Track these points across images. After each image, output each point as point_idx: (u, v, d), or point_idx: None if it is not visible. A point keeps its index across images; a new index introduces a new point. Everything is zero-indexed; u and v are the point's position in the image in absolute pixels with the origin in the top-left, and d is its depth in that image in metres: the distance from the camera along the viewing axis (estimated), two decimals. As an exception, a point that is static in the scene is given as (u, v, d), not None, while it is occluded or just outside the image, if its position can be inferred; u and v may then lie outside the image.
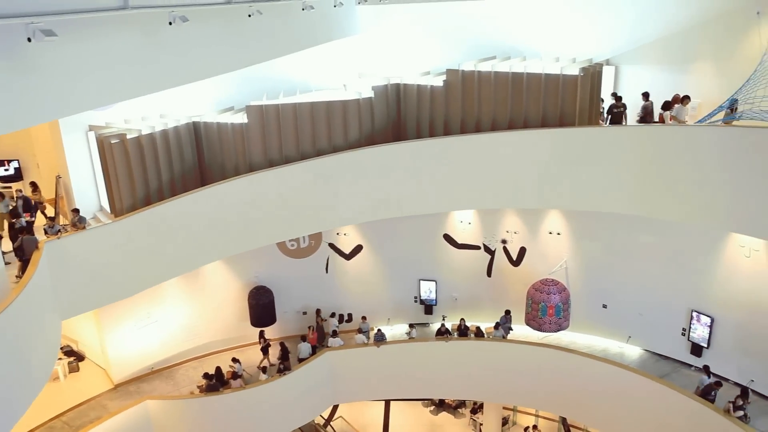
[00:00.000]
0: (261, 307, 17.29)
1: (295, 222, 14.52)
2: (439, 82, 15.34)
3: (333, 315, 17.82)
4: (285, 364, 15.85)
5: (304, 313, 18.21)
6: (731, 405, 13.00)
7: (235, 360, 16.19)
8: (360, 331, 17.29)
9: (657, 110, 13.84)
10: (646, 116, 13.82)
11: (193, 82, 12.20)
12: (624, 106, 14.27)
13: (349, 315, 18.26)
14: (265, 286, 17.50)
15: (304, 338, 16.72)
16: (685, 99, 13.36)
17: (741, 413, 12.93)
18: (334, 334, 16.92)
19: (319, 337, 17.13)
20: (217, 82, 13.62)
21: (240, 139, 14.46)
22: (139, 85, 10.54)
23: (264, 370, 15.69)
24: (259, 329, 17.32)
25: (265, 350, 16.70)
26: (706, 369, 14.11)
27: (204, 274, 16.81)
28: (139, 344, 15.97)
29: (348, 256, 18.21)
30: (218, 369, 15.61)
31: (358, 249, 18.15)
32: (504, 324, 16.89)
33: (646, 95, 13.93)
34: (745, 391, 13.20)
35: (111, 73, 9.74)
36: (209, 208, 13.17)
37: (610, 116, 14.38)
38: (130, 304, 15.11)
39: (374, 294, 18.35)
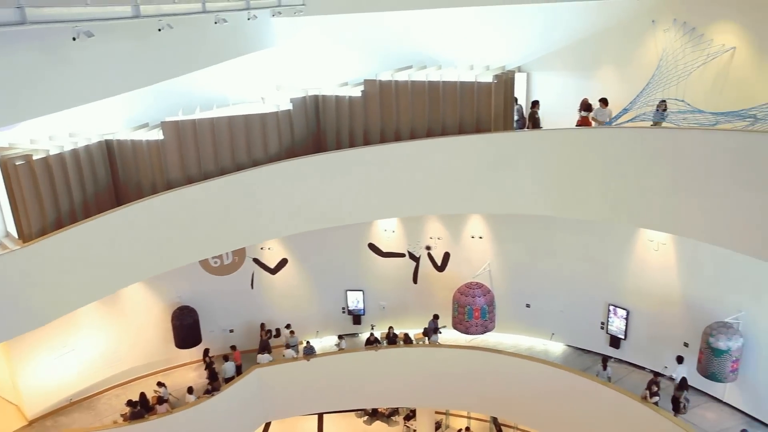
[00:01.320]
0: (185, 327, 16.82)
1: (217, 238, 14.18)
2: (357, 92, 15.43)
3: (288, 326, 17.55)
4: (213, 385, 15.47)
5: (231, 331, 17.85)
6: (647, 392, 13.65)
7: (160, 384, 15.66)
8: (288, 345, 17.08)
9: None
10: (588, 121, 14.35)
11: (103, 99, 11.76)
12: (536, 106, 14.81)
13: (277, 330, 18.01)
14: (188, 306, 17.03)
15: (227, 358, 16.37)
16: (603, 102, 13.92)
17: (657, 399, 13.60)
18: (287, 346, 16.79)
19: (261, 351, 16.82)
20: (130, 98, 13.18)
21: (156, 156, 14.03)
22: (43, 103, 10.05)
23: (190, 390, 15.24)
24: (204, 348, 17.00)
25: (210, 368, 16.26)
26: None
27: (123, 298, 16.20)
28: (55, 375, 15.19)
29: (273, 271, 17.99)
30: (142, 395, 15.05)
31: (283, 263, 17.97)
32: (432, 328, 17.08)
33: (604, 101, 14.14)
34: (683, 382, 13.95)
35: (10, 91, 9.26)
36: (125, 228, 12.70)
37: (531, 121, 14.82)
38: (43, 334, 14.38)
39: (302, 307, 18.20)
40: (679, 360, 14.48)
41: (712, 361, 13.61)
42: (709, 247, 13.07)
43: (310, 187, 14.46)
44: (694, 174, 11.54)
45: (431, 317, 17.23)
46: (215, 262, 17.37)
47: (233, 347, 16.92)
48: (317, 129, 16.05)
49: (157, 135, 14.03)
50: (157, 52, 12.52)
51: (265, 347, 16.91)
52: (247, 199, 14.11)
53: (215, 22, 12.65)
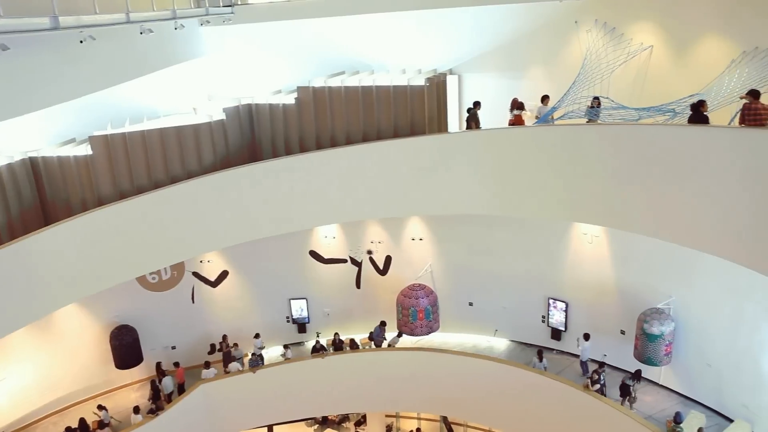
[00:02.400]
0: (125, 347, 16.34)
1: (154, 253, 13.81)
2: (291, 100, 15.36)
3: (257, 336, 17.31)
4: (157, 404, 15.08)
5: (173, 347, 17.43)
6: (589, 381, 14.06)
7: (100, 407, 15.18)
8: (234, 358, 16.80)
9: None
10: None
11: (23, 115, 11.30)
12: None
13: (221, 343, 17.68)
14: (127, 325, 16.56)
15: (164, 373, 16.05)
16: (545, 99, 14.21)
17: (598, 386, 14.02)
18: (232, 359, 16.53)
19: (225, 363, 16.54)
20: (54, 113, 12.71)
21: (85, 172, 13.60)
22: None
23: (136, 410, 14.80)
24: (156, 362, 16.61)
25: (153, 386, 15.81)
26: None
27: (57, 320, 15.61)
28: (-15, 406, 14.51)
29: (214, 284, 17.67)
30: (82, 420, 14.56)
31: (224, 275, 17.67)
32: (378, 336, 17.11)
33: (546, 98, 14.32)
34: (637, 373, 14.44)
35: None
36: (55, 247, 12.22)
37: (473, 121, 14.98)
38: (-29, 363, 13.71)
39: (245, 319, 17.93)
40: (586, 337, 15.33)
41: (647, 346, 14.14)
42: (640, 238, 13.56)
43: (247, 197, 14.27)
44: (625, 168, 11.91)
45: (378, 324, 17.23)
46: (153, 278, 16.93)
47: (176, 364, 16.53)
48: (252, 138, 15.89)
49: (86, 150, 13.59)
50: (80, 65, 12.13)
51: (228, 358, 16.66)
52: (183, 212, 13.81)
53: (141, 33, 12.35)
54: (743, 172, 10.00)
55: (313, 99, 15.10)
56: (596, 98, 13.36)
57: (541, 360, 15.45)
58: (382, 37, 16.21)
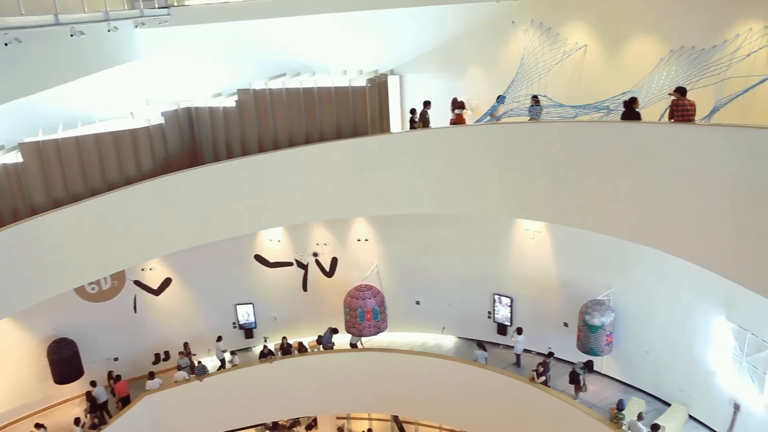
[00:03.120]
0: (64, 361, 15.77)
1: (91, 263, 13.34)
2: (231, 103, 15.14)
3: (219, 339, 17.04)
4: (99, 419, 14.61)
5: (116, 359, 16.92)
6: (534, 373, 14.37)
7: (38, 426, 14.59)
8: (179, 367, 16.45)
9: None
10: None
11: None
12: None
13: (166, 353, 17.32)
14: (66, 338, 15.99)
15: (94, 384, 15.64)
16: (500, 98, 14.35)
17: (543, 378, 14.34)
18: (178, 368, 16.26)
19: (192, 369, 16.22)
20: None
21: (16, 181, 13.05)
22: None
23: (77, 422, 14.31)
24: (107, 371, 16.22)
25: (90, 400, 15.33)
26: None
27: (-11, 336, 14.95)
28: None
29: (157, 292, 17.25)
30: (19, 439, 13.97)
31: (167, 282, 17.28)
32: (327, 342, 17.03)
33: (500, 98, 14.55)
34: (589, 363, 14.90)
35: None
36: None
37: (421, 121, 15.04)
38: None
39: (191, 326, 17.58)
40: (519, 331, 15.87)
41: (589, 337, 14.54)
42: (579, 232, 13.92)
43: (189, 202, 13.98)
44: (563, 164, 12.18)
45: (327, 329, 17.14)
46: (92, 289, 16.40)
47: (118, 377, 16.05)
48: (192, 142, 15.58)
49: (15, 158, 13.05)
50: (6, 69, 11.65)
51: (190, 365, 16.37)
52: (122, 220, 13.41)
53: (71, 35, 11.93)
54: (673, 166, 10.39)
55: (254, 101, 14.92)
56: (535, 97, 13.66)
57: (483, 350, 15.88)
58: (322, 38, 16.16)
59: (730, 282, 10.32)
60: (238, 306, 17.88)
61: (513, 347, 16.19)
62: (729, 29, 11.65)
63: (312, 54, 16.39)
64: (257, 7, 15.28)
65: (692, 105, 10.62)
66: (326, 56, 16.36)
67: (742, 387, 12.51)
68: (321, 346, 17.14)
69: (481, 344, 16.12)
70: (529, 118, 13.54)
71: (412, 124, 14.47)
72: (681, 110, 10.61)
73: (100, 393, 15.46)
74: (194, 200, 14.00)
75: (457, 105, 14.71)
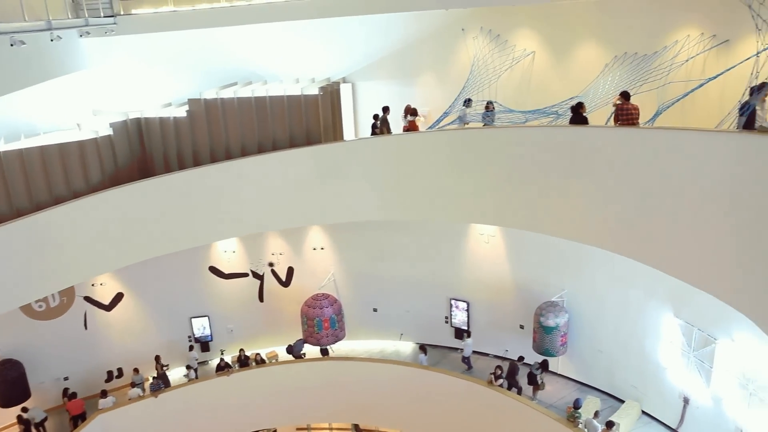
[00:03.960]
0: (9, 383, 15.21)
1: (36, 280, 12.89)
2: (182, 112, 14.92)
3: (192, 348, 16.78)
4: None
5: (66, 378, 16.39)
6: (492, 376, 14.52)
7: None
8: (134, 384, 16.04)
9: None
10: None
11: None
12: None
13: (119, 370, 16.88)
14: (11, 359, 15.43)
15: (25, 410, 15.05)
16: (467, 101, 14.43)
17: (501, 381, 14.49)
18: (132, 385, 15.86)
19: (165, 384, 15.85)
20: None
21: (-45, 196, 12.59)
22: None
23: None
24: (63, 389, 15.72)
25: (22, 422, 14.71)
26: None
27: (-71, 359, 14.31)
28: None
29: (108, 307, 16.81)
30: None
31: (119, 297, 16.86)
32: (299, 351, 16.93)
33: (467, 101, 14.45)
34: (544, 363, 15.07)
35: None
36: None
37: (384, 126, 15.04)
38: None
39: (145, 342, 17.17)
40: (468, 335, 16.17)
41: (544, 338, 14.78)
42: (532, 235, 14.14)
43: (139, 215, 13.67)
44: (514, 169, 12.41)
45: (297, 339, 17.05)
46: (39, 306, 15.89)
47: (73, 394, 15.48)
48: (142, 153, 15.28)
49: (-45, 172, 12.58)
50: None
51: (165, 379, 16.07)
52: (70, 234, 13.00)
53: (11, 44, 11.55)
54: (620, 169, 10.68)
55: (205, 111, 14.74)
56: (489, 102, 13.84)
57: (424, 353, 16.06)
58: (273, 47, 16.09)
59: (677, 280, 10.66)
60: (193, 319, 17.56)
61: (488, 354, 16.37)
62: (668, 36, 12.07)
63: (264, 62, 16.31)
64: (206, 16, 15.06)
65: (636, 109, 10.96)
66: (278, 65, 16.29)
67: (691, 381, 12.91)
68: (292, 355, 16.97)
69: (422, 347, 16.23)
70: (482, 124, 13.73)
71: (374, 130, 14.51)
72: (626, 114, 10.94)
73: (36, 413, 14.91)
74: (145, 213, 13.70)
75: (410, 112, 14.81)
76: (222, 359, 16.65)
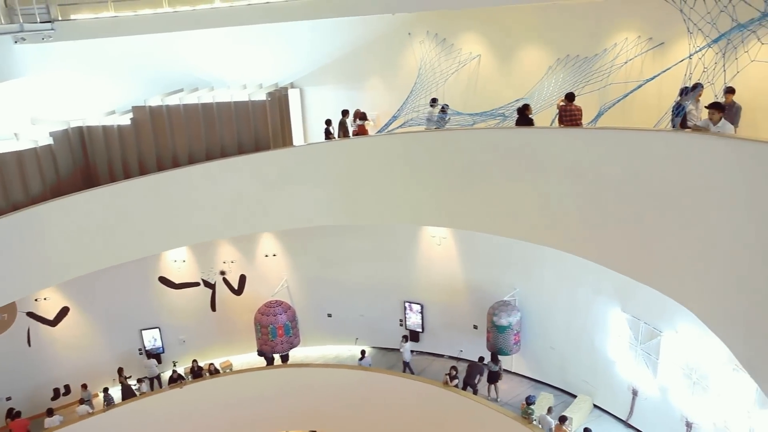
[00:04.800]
0: (-53, 405, 14.58)
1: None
2: (126, 120, 14.59)
3: (149, 356, 16.36)
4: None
5: (8, 398, 15.78)
6: (447, 377, 14.62)
7: None
8: (82, 401, 15.56)
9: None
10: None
11: None
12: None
13: (66, 387, 16.36)
14: (-51, 379, 14.79)
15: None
16: (434, 101, 14.43)
17: (456, 381, 14.61)
18: (81, 402, 15.33)
19: (126, 397, 15.40)
20: None
21: None
22: None
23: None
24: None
25: None
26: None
27: None
28: None
29: (53, 322, 16.27)
30: None
31: (64, 312, 16.34)
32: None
33: (434, 100, 14.55)
34: (494, 358, 15.07)
35: None
36: None
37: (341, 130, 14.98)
38: None
39: (93, 356, 16.68)
40: (405, 339, 16.25)
41: (497, 337, 14.99)
42: (483, 236, 14.35)
43: (83, 226, 13.29)
44: (466, 171, 12.53)
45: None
46: (-21, 324, 15.29)
47: (18, 413, 14.91)
48: (85, 162, 14.86)
49: None
50: None
51: (127, 392, 15.61)
52: (11, 247, 12.55)
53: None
54: (565, 168, 10.92)
55: (150, 119, 14.45)
56: (445, 105, 13.95)
57: (363, 357, 16.17)
58: (220, 53, 15.92)
59: (623, 277, 10.96)
60: (143, 331, 17.15)
61: (427, 353, 16.42)
62: (608, 39, 12.43)
63: (210, 68, 16.11)
64: (149, 22, 14.76)
65: (579, 110, 11.22)
66: (225, 70, 16.11)
67: (639, 373, 13.28)
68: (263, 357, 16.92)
69: (363, 351, 16.31)
70: (434, 127, 13.85)
71: (328, 135, 14.48)
72: (569, 115, 11.20)
73: None
74: (89, 223, 13.33)
75: (359, 116, 14.85)
76: (174, 371, 16.28)
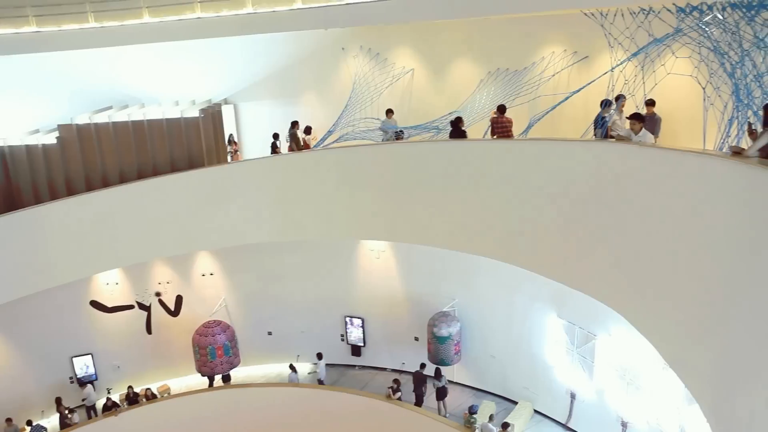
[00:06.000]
0: None
1: None
2: (51, 139, 14.08)
3: (83, 385, 15.60)
4: None
5: None
6: (391, 390, 14.62)
7: None
8: (9, 436, 14.78)
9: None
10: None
11: None
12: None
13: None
14: None
15: None
16: (389, 112, 14.38)
17: (399, 394, 14.63)
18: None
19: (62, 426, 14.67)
20: None
21: None
22: None
23: None
24: None
25: None
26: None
27: None
28: None
29: (-25, 353, 15.44)
30: None
31: (-14, 341, 15.52)
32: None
33: (389, 112, 14.48)
34: (437, 371, 14.99)
35: None
36: None
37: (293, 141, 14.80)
38: None
39: (20, 388, 15.82)
40: (319, 356, 16.18)
41: (438, 348, 15.09)
42: (421, 248, 14.47)
43: (6, 250, 12.72)
44: (402, 183, 12.65)
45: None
46: None
47: None
48: (7, 183, 14.26)
49: None
50: None
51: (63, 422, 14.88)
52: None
53: None
54: (498, 179, 11.18)
55: (77, 137, 14.00)
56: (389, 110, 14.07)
57: (293, 371, 16.09)
58: (150, 69, 15.60)
59: (558, 284, 11.25)
60: (74, 358, 16.45)
61: (369, 367, 16.36)
62: (536, 53, 12.84)
63: (141, 85, 15.79)
64: (74, 37, 14.23)
65: (510, 122, 11.55)
66: (156, 87, 15.83)
67: (576, 377, 13.63)
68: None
69: (292, 366, 16.21)
70: (390, 138, 13.93)
71: (274, 149, 14.35)
72: (501, 127, 11.50)
73: None
74: (12, 247, 12.76)
75: (305, 130, 14.82)
76: (109, 398, 15.68)
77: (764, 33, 8.05)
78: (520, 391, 15.09)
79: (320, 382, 16.13)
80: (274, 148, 14.42)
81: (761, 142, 6.74)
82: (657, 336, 8.74)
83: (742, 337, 6.35)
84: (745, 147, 7.31)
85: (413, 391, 14.95)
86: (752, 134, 8.14)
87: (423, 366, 15.22)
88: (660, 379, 11.39)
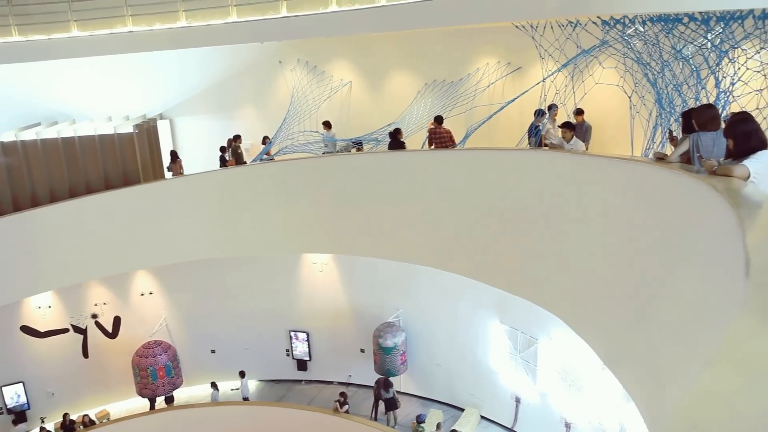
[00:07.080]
0: None
1: None
2: (-26, 158, 13.49)
3: (15, 423, 14.89)
4: None
5: None
6: (338, 403, 14.54)
7: None
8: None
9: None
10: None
11: None
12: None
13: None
14: None
15: None
16: (326, 124, 14.24)
17: (347, 407, 14.56)
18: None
19: None
20: None
21: None
22: None
23: None
24: None
25: None
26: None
27: None
28: None
29: None
30: None
31: None
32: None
33: (327, 124, 14.43)
34: (387, 382, 14.95)
35: None
36: None
37: (234, 157, 14.56)
38: None
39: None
40: (242, 374, 16.04)
41: (384, 359, 15.09)
42: (364, 260, 14.48)
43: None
44: (340, 196, 12.68)
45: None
46: None
47: None
48: (-74, 206, 13.57)
49: None
50: None
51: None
52: None
53: None
54: (437, 189, 11.32)
55: (2, 156, 13.43)
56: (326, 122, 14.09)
57: (216, 389, 16.00)
58: (81, 83, 15.16)
59: (499, 290, 11.45)
60: (3, 388, 15.69)
61: (316, 381, 16.21)
62: (471, 64, 13.10)
63: (71, 100, 15.31)
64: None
65: (448, 132, 11.72)
66: (87, 102, 15.39)
67: (520, 381, 13.86)
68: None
69: (213, 384, 16.02)
70: (331, 151, 13.90)
71: (223, 162, 14.11)
72: (438, 137, 11.67)
73: None
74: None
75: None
76: (43, 428, 15.03)
77: (681, 45, 8.45)
78: (467, 398, 15.23)
79: (245, 399, 15.89)
80: (223, 162, 14.22)
81: (682, 148, 7.05)
82: (591, 336, 8.99)
83: (663, 330, 6.59)
84: (669, 153, 7.65)
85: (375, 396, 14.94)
86: (673, 140, 8.52)
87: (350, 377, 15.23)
88: (599, 379, 11.71)
